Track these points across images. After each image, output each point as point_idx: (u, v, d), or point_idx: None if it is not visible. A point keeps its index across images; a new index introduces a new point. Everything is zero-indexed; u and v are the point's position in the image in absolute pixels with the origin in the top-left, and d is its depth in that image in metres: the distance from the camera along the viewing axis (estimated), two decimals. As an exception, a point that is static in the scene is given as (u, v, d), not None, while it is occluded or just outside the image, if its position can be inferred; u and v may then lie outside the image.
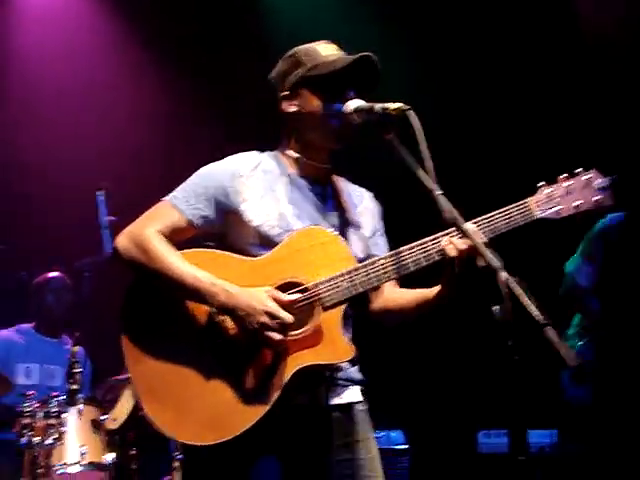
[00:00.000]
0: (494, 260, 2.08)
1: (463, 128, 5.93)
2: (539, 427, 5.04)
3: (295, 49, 2.66)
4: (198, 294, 2.39)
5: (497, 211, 2.44)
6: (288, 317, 2.36)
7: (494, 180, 5.48)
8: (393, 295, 2.67)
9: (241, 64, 6.17)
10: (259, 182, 2.56)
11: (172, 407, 2.40)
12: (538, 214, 2.44)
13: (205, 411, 2.38)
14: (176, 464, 4.28)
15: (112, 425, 4.15)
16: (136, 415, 4.21)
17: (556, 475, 4.62)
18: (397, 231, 2.77)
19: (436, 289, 2.51)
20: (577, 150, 4.85)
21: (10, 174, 6.20)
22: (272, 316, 2.34)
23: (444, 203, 2.24)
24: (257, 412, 2.36)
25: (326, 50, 2.63)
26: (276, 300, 2.37)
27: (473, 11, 5.98)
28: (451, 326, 4.88)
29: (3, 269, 5.69)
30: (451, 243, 2.38)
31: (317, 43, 2.66)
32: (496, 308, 2.00)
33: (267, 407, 2.36)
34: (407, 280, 2.58)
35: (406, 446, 5.32)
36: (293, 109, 2.61)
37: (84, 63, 6.39)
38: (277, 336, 2.34)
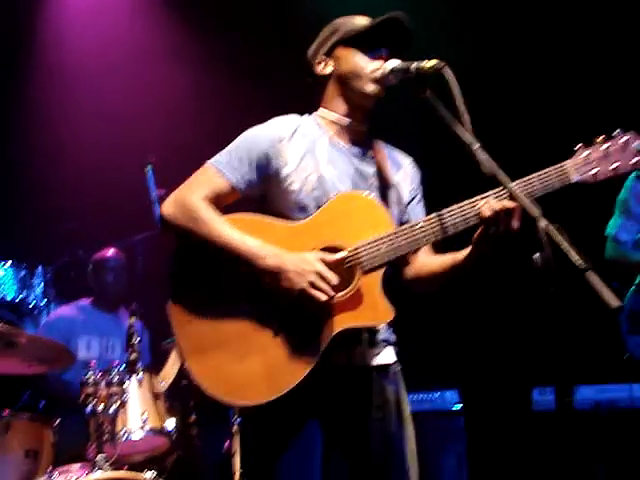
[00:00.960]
0: (533, 208, 2.10)
1: (499, 85, 5.86)
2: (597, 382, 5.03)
3: (330, 23, 2.73)
4: (247, 257, 2.44)
5: (534, 174, 2.44)
6: (335, 278, 2.41)
7: (531, 141, 5.42)
8: (425, 261, 2.68)
9: (285, 39, 6.19)
10: (299, 145, 2.61)
11: (219, 369, 2.45)
12: (575, 177, 2.44)
13: (249, 371, 2.43)
14: (235, 428, 4.38)
15: (159, 388, 4.26)
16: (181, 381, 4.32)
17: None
18: (437, 195, 2.77)
19: (466, 251, 2.52)
20: (615, 110, 4.77)
21: (60, 153, 6.35)
22: (320, 276, 2.39)
23: (482, 156, 2.26)
24: (303, 369, 2.41)
25: (361, 19, 2.69)
26: (322, 261, 2.42)
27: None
28: (502, 282, 4.87)
29: (60, 246, 5.87)
30: (487, 203, 2.39)
31: (354, 16, 2.72)
32: (536, 256, 2.02)
33: (313, 362, 2.41)
34: (443, 246, 2.61)
35: (461, 405, 5.36)
36: (329, 70, 2.67)
37: (129, 38, 6.50)
38: (324, 296, 2.40)
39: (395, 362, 2.65)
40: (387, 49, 2.61)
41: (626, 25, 5.55)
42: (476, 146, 2.28)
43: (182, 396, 4.46)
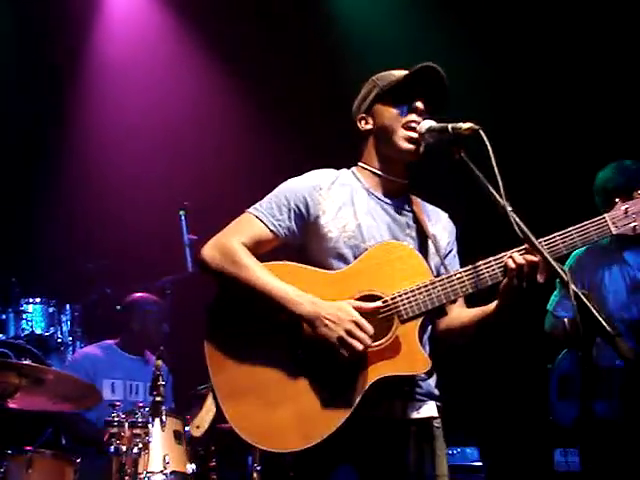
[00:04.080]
0: (564, 273, 2.13)
1: (534, 143, 5.91)
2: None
3: (371, 78, 2.79)
4: (284, 304, 2.48)
5: (573, 227, 2.48)
6: (370, 327, 2.43)
7: (567, 195, 5.44)
8: (457, 313, 2.70)
9: (320, 85, 6.31)
10: (338, 195, 2.66)
11: (254, 414, 2.48)
12: (614, 230, 2.47)
13: (287, 418, 2.45)
14: (255, 475, 4.38)
15: (196, 432, 4.24)
16: (216, 426, 4.33)
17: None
18: (471, 250, 2.81)
19: (493, 304, 2.55)
20: None
21: (94, 193, 6.47)
22: (357, 325, 2.41)
23: (515, 219, 2.31)
24: (338, 418, 2.42)
25: (399, 73, 2.73)
26: (358, 309, 2.45)
27: (539, 17, 5.98)
28: (530, 341, 4.86)
29: (90, 285, 5.94)
30: (511, 257, 2.43)
31: (392, 70, 2.77)
32: (566, 320, 2.04)
33: (347, 414, 2.42)
34: (477, 298, 2.64)
35: (481, 463, 5.32)
36: (369, 127, 2.73)
37: (165, 81, 6.64)
38: (360, 345, 2.41)
39: (436, 417, 2.64)
40: (423, 100, 2.65)
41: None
42: (509, 209, 2.32)
43: (204, 441, 4.47)
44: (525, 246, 2.44)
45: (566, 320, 2.01)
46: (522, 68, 6.04)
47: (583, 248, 4.18)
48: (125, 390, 5.30)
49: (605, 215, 2.49)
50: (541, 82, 5.97)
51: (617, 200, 2.53)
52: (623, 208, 2.49)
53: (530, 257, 2.40)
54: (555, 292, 4.33)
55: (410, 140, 2.64)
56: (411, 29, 6.27)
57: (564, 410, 4.00)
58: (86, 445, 4.71)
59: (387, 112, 2.68)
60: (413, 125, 2.62)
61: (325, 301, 2.47)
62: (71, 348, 5.81)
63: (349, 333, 2.41)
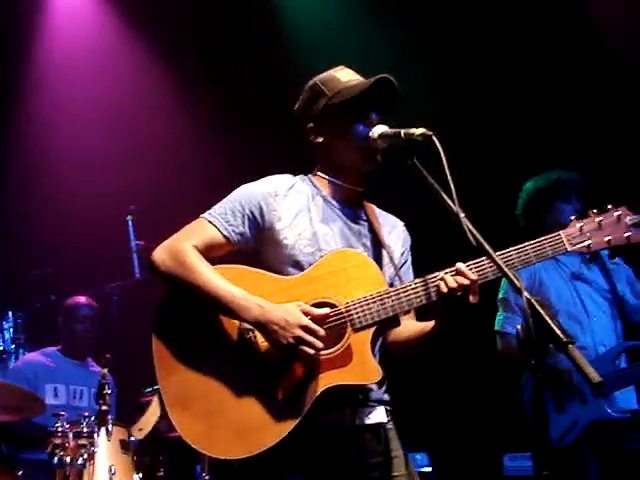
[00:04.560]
0: (517, 280, 2.13)
1: (484, 148, 5.96)
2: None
3: (314, 79, 2.74)
4: (231, 308, 2.44)
5: (528, 243, 2.49)
6: (321, 330, 2.40)
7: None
8: (405, 326, 2.67)
9: (267, 84, 6.29)
10: (294, 202, 2.64)
11: (201, 420, 2.44)
12: (569, 247, 2.49)
13: (234, 425, 2.42)
14: (203, 485, 4.32)
15: (138, 435, 4.21)
16: (164, 435, 4.27)
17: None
18: (425, 258, 2.80)
19: (431, 322, 2.55)
20: (606, 177, 4.90)
21: (39, 198, 6.34)
22: (306, 329, 2.39)
23: (468, 226, 2.30)
24: (285, 427, 2.39)
25: (344, 76, 2.70)
26: (307, 314, 2.42)
27: (490, 24, 6.04)
28: (478, 345, 4.89)
29: (34, 292, 5.81)
30: (442, 279, 2.42)
31: (334, 70, 2.75)
32: (519, 327, 2.04)
33: (295, 423, 2.39)
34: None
35: (430, 469, 5.33)
36: (320, 139, 2.69)
37: (111, 85, 6.53)
38: (310, 350, 2.38)
39: (388, 421, 2.62)
40: (377, 113, 2.63)
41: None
42: (462, 215, 2.31)
43: (151, 450, 4.39)
44: (455, 267, 2.43)
45: (518, 327, 2.01)
46: (474, 70, 6.07)
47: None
48: (68, 395, 5.28)
49: (560, 232, 2.51)
50: (492, 85, 6.01)
51: (572, 218, 2.53)
52: (578, 226, 2.51)
53: (461, 279, 2.39)
54: (499, 312, 4.37)
55: (366, 152, 2.62)
56: (355, 30, 6.29)
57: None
58: (32, 447, 4.62)
59: (341, 127, 2.65)
60: (370, 142, 2.59)
61: (274, 304, 2.44)
62: (14, 356, 5.69)
63: (298, 339, 2.38)
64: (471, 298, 2.39)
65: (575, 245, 2.49)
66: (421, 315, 2.66)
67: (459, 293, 2.39)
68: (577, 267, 4.32)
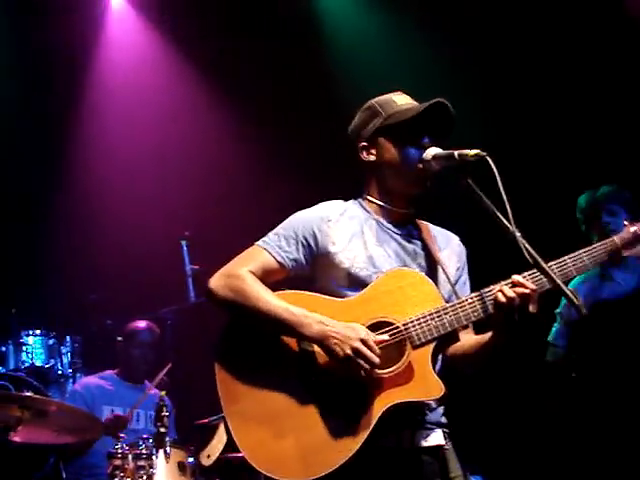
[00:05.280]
0: (574, 296, 2.13)
1: (537, 164, 5.94)
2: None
3: (371, 101, 2.77)
4: (291, 325, 2.47)
5: (583, 249, 2.48)
6: (377, 349, 2.41)
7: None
8: (464, 340, 2.67)
9: (318, 115, 6.33)
10: (347, 226, 2.66)
11: (265, 444, 2.46)
12: (625, 253, 2.48)
13: (298, 447, 2.43)
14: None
15: (206, 461, 4.25)
16: (223, 456, 4.30)
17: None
18: (482, 274, 2.78)
19: (488, 335, 2.54)
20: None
21: (96, 224, 6.47)
22: (364, 343, 2.40)
23: (525, 245, 2.31)
24: (350, 448, 2.40)
25: (401, 100, 2.73)
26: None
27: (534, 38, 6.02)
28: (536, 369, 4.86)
29: (91, 317, 5.92)
30: (501, 291, 2.41)
31: (392, 94, 2.77)
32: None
33: (356, 447, 2.40)
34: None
35: (485, 493, 5.26)
36: (372, 158, 2.71)
37: (167, 113, 6.65)
38: (366, 364, 2.39)
39: (445, 445, 2.61)
40: (430, 137, 2.64)
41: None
42: (518, 235, 2.32)
43: (208, 472, 4.43)
44: (511, 279, 2.43)
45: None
46: (523, 86, 6.03)
47: (577, 279, 4.23)
48: None
49: (614, 237, 2.49)
50: (541, 99, 5.98)
51: (625, 222, 2.52)
52: (632, 230, 2.49)
53: (520, 289, 2.39)
54: (555, 323, 4.34)
55: (418, 176, 2.63)
56: (404, 48, 6.31)
57: None
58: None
59: (393, 148, 2.66)
60: (422, 165, 2.61)
61: (335, 321, 2.46)
62: (71, 380, 5.79)
63: (356, 351, 2.40)
64: (531, 307, 2.38)
65: (631, 250, 2.47)
66: (481, 330, 2.64)
67: (518, 302, 2.38)
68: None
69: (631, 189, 4.47)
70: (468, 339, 2.67)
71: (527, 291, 2.38)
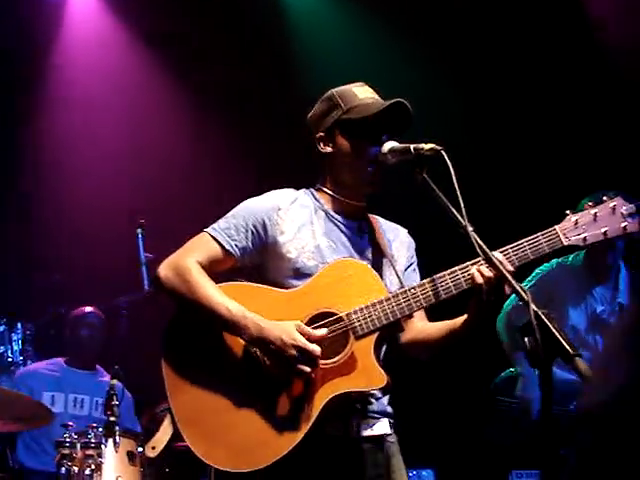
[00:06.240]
0: (524, 292, 2.14)
1: (488, 156, 6.00)
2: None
3: (332, 91, 2.76)
4: (231, 326, 2.49)
5: (524, 239, 2.50)
6: (316, 350, 2.43)
7: (522, 208, 5.53)
8: (422, 327, 2.71)
9: (276, 102, 6.33)
10: (296, 216, 2.66)
11: (210, 436, 2.48)
12: (565, 242, 2.49)
13: (240, 439, 2.46)
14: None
15: (151, 453, 4.23)
16: (172, 445, 4.29)
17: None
18: (431, 266, 2.81)
19: (463, 318, 2.56)
20: (604, 175, 4.91)
21: (50, 209, 6.38)
22: (300, 349, 2.42)
23: (477, 239, 2.32)
24: (290, 441, 2.43)
25: (361, 92, 2.72)
26: (304, 334, 2.45)
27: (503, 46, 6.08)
28: (485, 360, 4.90)
29: (43, 304, 5.85)
30: (479, 271, 2.44)
31: (353, 85, 2.76)
32: (526, 339, 2.05)
33: (300, 436, 2.43)
34: (437, 312, 2.65)
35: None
36: (328, 150, 2.71)
37: (123, 97, 6.57)
38: (306, 369, 2.43)
39: (390, 434, 2.65)
40: (387, 135, 2.64)
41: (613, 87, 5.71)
42: (470, 229, 2.33)
43: (158, 462, 4.40)
44: (480, 259, 2.44)
45: (526, 340, 2.01)
46: (494, 85, 6.10)
47: (554, 261, 4.25)
48: (67, 403, 5.29)
49: (555, 227, 2.50)
50: (497, 95, 6.05)
51: (567, 212, 2.52)
52: (573, 219, 2.50)
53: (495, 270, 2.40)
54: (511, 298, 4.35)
55: (373, 179, 2.65)
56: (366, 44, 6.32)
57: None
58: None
59: (350, 144, 2.67)
60: (379, 155, 2.61)
61: (272, 322, 2.47)
62: (22, 368, 5.71)
63: (294, 359, 2.42)
64: (506, 288, 2.39)
65: (571, 239, 2.49)
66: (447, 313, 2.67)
67: (494, 282, 2.40)
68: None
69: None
70: (428, 325, 2.71)
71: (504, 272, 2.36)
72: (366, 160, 2.63)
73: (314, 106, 2.80)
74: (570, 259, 4.32)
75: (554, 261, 4.32)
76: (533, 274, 4.31)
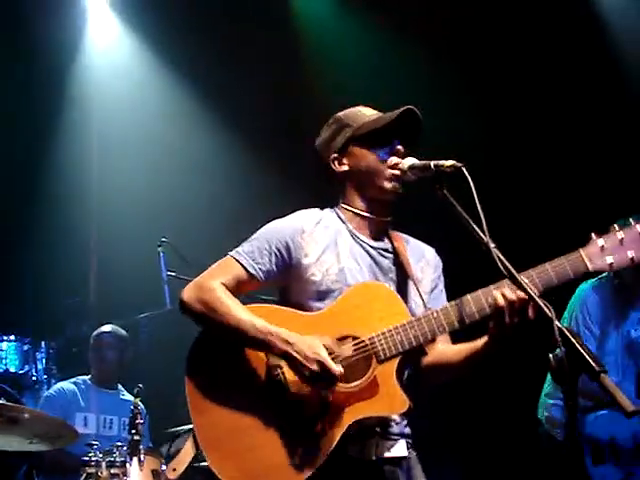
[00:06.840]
0: (548, 309, 2.14)
1: (513, 178, 5.98)
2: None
3: (336, 115, 2.80)
4: (257, 343, 2.49)
5: (548, 263, 2.45)
6: (337, 369, 2.42)
7: (548, 230, 5.50)
8: (442, 350, 2.68)
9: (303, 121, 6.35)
10: (321, 237, 2.66)
11: (233, 458, 2.48)
12: (591, 267, 2.42)
13: (264, 462, 2.45)
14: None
15: (172, 475, 4.23)
16: (193, 465, 4.28)
17: None
18: (458, 286, 2.78)
19: (483, 341, 2.53)
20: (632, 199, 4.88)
21: (73, 230, 6.44)
22: (322, 365, 2.41)
23: (499, 256, 2.31)
24: (314, 464, 2.43)
25: (368, 111, 2.77)
26: (329, 350, 2.45)
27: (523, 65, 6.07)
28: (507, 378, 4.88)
29: (67, 323, 5.89)
30: (501, 293, 2.41)
31: (357, 107, 2.80)
32: (551, 355, 2.05)
33: (321, 461, 2.43)
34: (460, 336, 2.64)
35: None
36: (345, 168, 2.72)
37: (147, 118, 6.65)
38: (324, 387, 2.43)
39: (408, 456, 2.62)
40: (399, 140, 2.67)
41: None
42: (492, 245, 2.32)
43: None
44: (504, 282, 2.42)
45: (550, 356, 1.99)
46: (502, 91, 6.10)
47: (590, 282, 4.15)
48: (98, 424, 5.30)
49: (580, 250, 2.44)
50: (518, 113, 6.03)
51: (592, 235, 2.44)
52: (599, 244, 2.42)
53: (521, 293, 2.36)
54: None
55: (393, 179, 2.65)
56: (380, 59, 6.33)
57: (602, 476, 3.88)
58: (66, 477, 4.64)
59: (367, 155, 2.68)
60: (398, 167, 2.63)
61: (298, 336, 2.47)
62: (46, 386, 5.76)
63: (313, 374, 2.42)
64: (530, 312, 2.36)
65: (597, 264, 2.41)
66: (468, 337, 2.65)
67: (518, 306, 2.36)
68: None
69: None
70: (449, 348, 2.68)
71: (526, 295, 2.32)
72: (385, 165, 2.65)
73: (322, 131, 2.82)
74: (600, 281, 4.20)
75: (583, 286, 4.22)
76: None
